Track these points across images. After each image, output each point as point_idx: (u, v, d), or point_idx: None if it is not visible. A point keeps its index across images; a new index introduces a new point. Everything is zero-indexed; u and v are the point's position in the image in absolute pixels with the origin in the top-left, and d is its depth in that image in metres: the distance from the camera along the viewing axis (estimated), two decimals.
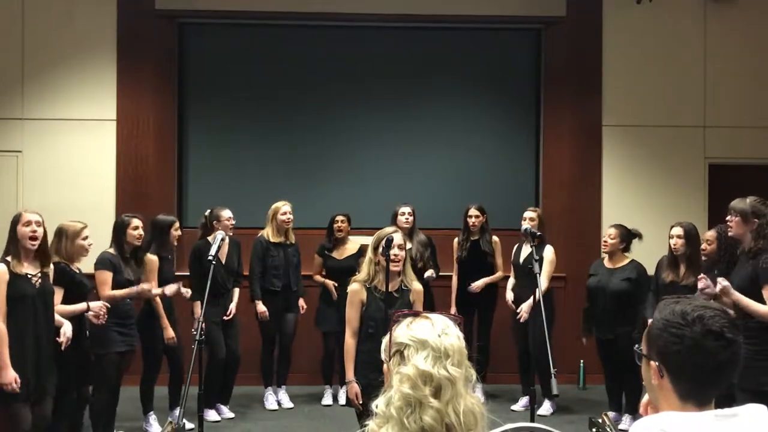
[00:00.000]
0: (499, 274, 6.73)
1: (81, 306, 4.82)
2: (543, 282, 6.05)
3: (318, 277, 6.72)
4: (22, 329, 4.27)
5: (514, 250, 6.59)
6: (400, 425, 1.68)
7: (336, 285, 6.52)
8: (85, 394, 5.09)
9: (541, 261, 6.14)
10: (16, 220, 4.34)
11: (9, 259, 4.27)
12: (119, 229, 5.39)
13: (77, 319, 4.81)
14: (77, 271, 4.93)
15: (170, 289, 5.57)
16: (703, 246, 5.48)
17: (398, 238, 4.14)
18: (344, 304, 4.30)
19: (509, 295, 6.51)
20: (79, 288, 4.88)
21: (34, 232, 4.37)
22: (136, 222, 5.42)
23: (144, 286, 5.33)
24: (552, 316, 6.12)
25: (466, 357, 1.78)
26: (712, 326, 1.62)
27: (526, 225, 5.90)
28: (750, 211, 4.28)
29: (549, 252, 6.36)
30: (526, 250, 6.28)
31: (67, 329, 4.54)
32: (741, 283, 4.24)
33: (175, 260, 6.15)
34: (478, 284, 6.63)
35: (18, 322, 4.24)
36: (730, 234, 4.50)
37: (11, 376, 4.16)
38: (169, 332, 5.67)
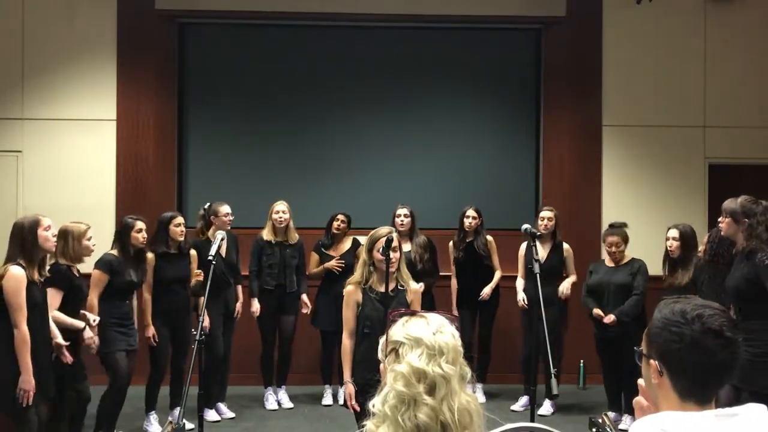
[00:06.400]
0: (498, 274, 6.72)
1: (79, 323, 4.84)
2: (574, 277, 6.44)
3: (315, 270, 6.67)
4: (36, 335, 4.27)
5: (525, 254, 6.43)
6: (395, 424, 1.68)
7: (343, 263, 6.49)
8: (84, 394, 5.08)
9: (563, 261, 6.42)
10: (34, 226, 4.30)
11: (23, 264, 4.25)
12: (123, 231, 5.39)
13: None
14: (76, 275, 4.91)
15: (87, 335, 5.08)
16: (700, 248, 5.48)
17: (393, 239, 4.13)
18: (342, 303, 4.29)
19: (521, 295, 6.43)
20: (76, 292, 4.86)
21: (54, 236, 4.42)
22: (140, 224, 5.41)
23: (85, 328, 4.95)
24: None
25: (462, 355, 1.78)
26: (711, 325, 1.63)
27: (526, 225, 5.73)
28: (740, 211, 4.26)
29: (569, 251, 6.45)
30: (541, 252, 6.14)
31: (60, 341, 4.62)
32: (738, 283, 4.22)
33: (190, 257, 5.96)
34: (486, 292, 6.65)
35: (32, 329, 4.24)
36: (722, 234, 4.50)
37: (32, 383, 4.17)
38: (148, 331, 5.65)
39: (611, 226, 6.16)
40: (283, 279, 6.49)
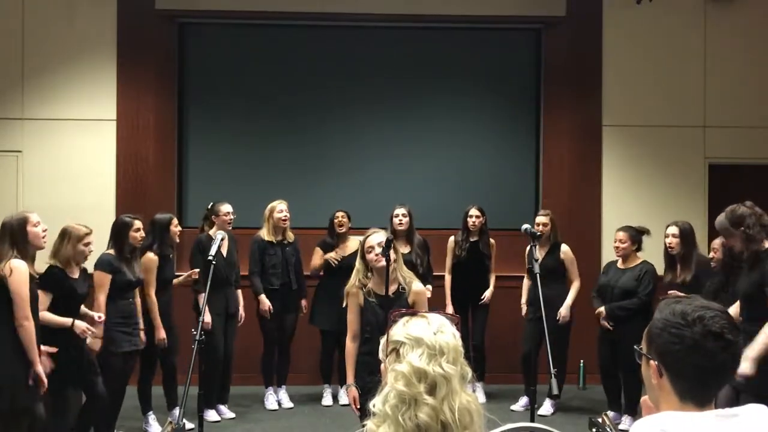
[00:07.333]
0: (493, 278, 6.75)
1: (66, 320, 4.73)
2: (576, 283, 6.41)
3: (317, 264, 6.66)
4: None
5: (527, 255, 6.37)
6: (396, 423, 1.68)
7: (337, 259, 6.54)
8: (95, 391, 5.06)
9: (560, 263, 6.41)
10: (23, 222, 4.29)
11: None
12: (121, 230, 5.37)
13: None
14: (74, 277, 4.83)
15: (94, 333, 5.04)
16: (711, 254, 5.47)
17: (377, 238, 4.10)
18: (342, 302, 4.28)
19: (525, 309, 6.50)
20: (70, 295, 4.78)
21: (45, 231, 4.40)
22: (138, 224, 5.41)
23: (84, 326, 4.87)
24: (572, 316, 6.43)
25: (462, 355, 1.79)
26: (712, 327, 1.62)
27: (526, 225, 5.69)
28: (730, 225, 4.27)
29: (567, 252, 6.43)
30: (541, 252, 6.15)
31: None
32: (746, 287, 4.22)
33: (176, 258, 6.13)
34: (488, 296, 6.70)
35: None
36: (736, 251, 4.48)
37: (43, 373, 4.22)
38: (161, 333, 5.64)
39: (629, 227, 6.13)
40: (287, 277, 6.50)
